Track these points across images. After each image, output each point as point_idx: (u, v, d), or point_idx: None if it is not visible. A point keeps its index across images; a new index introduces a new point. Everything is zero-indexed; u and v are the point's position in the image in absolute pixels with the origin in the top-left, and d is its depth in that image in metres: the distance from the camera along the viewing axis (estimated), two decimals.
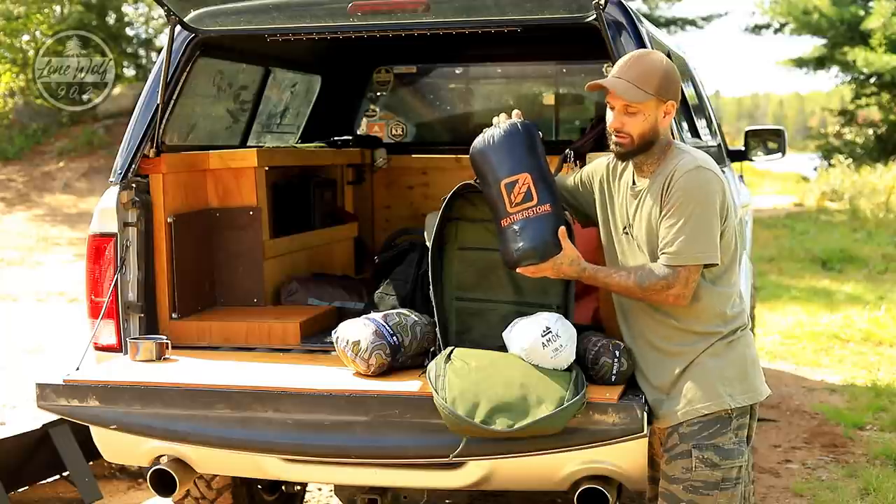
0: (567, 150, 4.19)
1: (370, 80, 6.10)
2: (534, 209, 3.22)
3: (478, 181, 3.39)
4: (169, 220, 3.97)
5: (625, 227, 3.30)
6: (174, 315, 3.99)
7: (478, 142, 3.35)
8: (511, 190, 3.23)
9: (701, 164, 3.17)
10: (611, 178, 3.39)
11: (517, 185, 3.23)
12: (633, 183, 3.29)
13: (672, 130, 3.39)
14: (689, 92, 5.19)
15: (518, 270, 3.27)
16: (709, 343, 3.19)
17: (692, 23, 26.49)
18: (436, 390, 3.11)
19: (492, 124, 3.39)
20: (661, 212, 3.15)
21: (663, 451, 3.23)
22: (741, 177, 6.85)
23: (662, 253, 3.12)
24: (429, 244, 3.56)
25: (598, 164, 3.47)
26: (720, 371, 3.18)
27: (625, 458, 3.32)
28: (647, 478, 3.40)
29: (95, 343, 3.84)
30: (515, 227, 3.22)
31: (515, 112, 3.39)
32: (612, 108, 3.21)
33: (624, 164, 3.34)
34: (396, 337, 3.43)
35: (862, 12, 25.43)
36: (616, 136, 3.20)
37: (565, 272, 3.22)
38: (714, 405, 3.15)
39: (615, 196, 3.36)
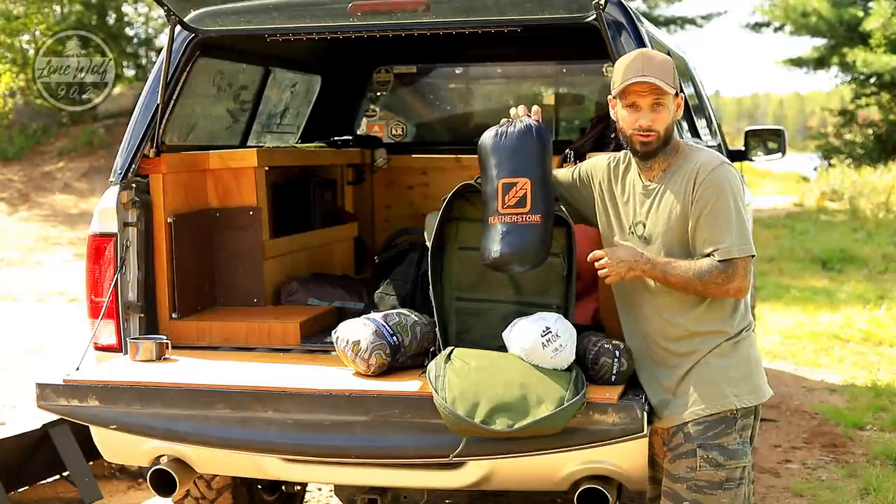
0: (567, 150, 4.19)
1: (370, 80, 6.10)
2: (524, 216, 3.23)
3: (478, 179, 3.40)
4: (169, 220, 3.97)
5: (631, 227, 3.30)
6: (174, 315, 3.99)
7: (489, 134, 3.35)
8: (507, 191, 3.24)
9: (724, 161, 3.22)
10: (612, 178, 3.38)
11: (514, 188, 3.24)
12: (644, 182, 3.28)
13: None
14: (688, 92, 5.19)
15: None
16: (716, 343, 3.20)
17: (692, 22, 26.49)
18: (436, 390, 3.11)
19: (498, 121, 3.39)
20: (687, 210, 3.15)
21: (667, 450, 3.23)
22: (741, 177, 6.85)
23: (715, 250, 3.12)
24: (429, 244, 3.57)
25: (597, 163, 3.45)
26: (726, 371, 3.18)
27: (625, 458, 3.32)
28: (648, 478, 3.40)
29: (95, 343, 3.84)
30: (500, 229, 3.24)
31: (535, 109, 3.39)
32: (637, 108, 3.18)
33: (626, 163, 3.34)
34: (396, 337, 3.43)
35: (861, 13, 25.42)
36: (643, 135, 3.18)
37: (642, 269, 3.17)
38: (720, 405, 3.15)
39: (619, 196, 3.35)
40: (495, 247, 3.25)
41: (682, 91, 3.27)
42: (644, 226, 3.26)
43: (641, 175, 3.29)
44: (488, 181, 3.31)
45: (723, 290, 3.13)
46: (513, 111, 3.39)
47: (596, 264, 3.21)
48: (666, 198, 3.20)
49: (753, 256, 3.18)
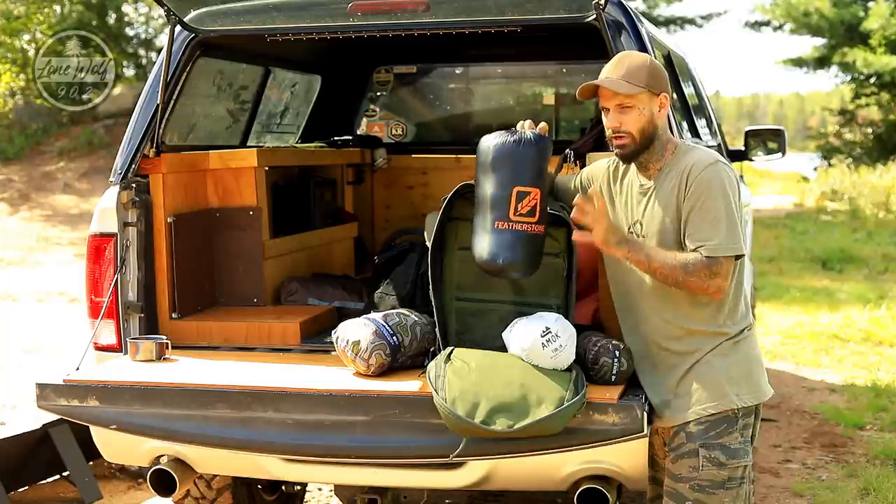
0: (567, 150, 4.18)
1: (370, 80, 6.10)
2: (532, 226, 3.26)
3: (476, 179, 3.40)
4: (169, 220, 3.97)
5: (630, 227, 3.30)
6: (174, 315, 3.99)
7: (505, 139, 3.32)
8: (521, 199, 3.25)
9: (718, 159, 3.20)
10: (611, 180, 3.39)
11: (528, 197, 3.26)
12: (641, 182, 3.28)
13: (672, 129, 3.39)
14: (688, 92, 5.19)
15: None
16: (716, 343, 3.19)
17: (692, 22, 26.50)
18: (436, 390, 3.11)
19: (498, 121, 3.38)
20: (680, 207, 3.15)
21: (669, 449, 3.23)
22: (741, 176, 6.86)
23: (702, 246, 3.10)
24: (429, 244, 3.57)
25: (597, 167, 3.47)
26: (727, 371, 3.18)
27: (625, 458, 3.32)
28: (648, 478, 3.40)
29: (95, 343, 3.84)
30: (509, 236, 3.24)
31: (542, 126, 3.38)
32: (607, 112, 3.21)
33: (625, 166, 3.34)
34: (396, 337, 3.43)
35: (861, 13, 25.44)
36: (616, 137, 3.20)
37: (628, 248, 3.15)
38: (721, 404, 3.15)
39: (617, 197, 3.36)
40: (503, 252, 3.25)
41: (665, 90, 3.22)
42: (641, 225, 3.27)
43: (639, 175, 3.29)
44: (499, 185, 3.29)
45: (703, 285, 3.10)
46: (520, 124, 3.39)
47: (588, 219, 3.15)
48: (660, 196, 3.21)
49: (742, 256, 3.16)
